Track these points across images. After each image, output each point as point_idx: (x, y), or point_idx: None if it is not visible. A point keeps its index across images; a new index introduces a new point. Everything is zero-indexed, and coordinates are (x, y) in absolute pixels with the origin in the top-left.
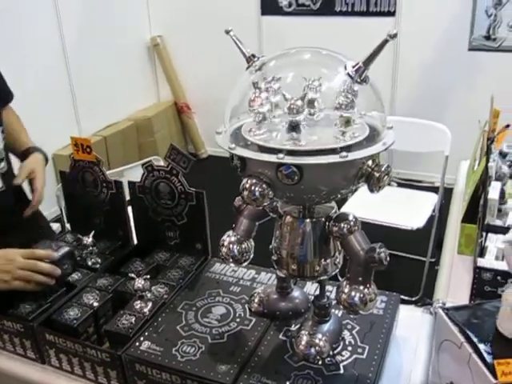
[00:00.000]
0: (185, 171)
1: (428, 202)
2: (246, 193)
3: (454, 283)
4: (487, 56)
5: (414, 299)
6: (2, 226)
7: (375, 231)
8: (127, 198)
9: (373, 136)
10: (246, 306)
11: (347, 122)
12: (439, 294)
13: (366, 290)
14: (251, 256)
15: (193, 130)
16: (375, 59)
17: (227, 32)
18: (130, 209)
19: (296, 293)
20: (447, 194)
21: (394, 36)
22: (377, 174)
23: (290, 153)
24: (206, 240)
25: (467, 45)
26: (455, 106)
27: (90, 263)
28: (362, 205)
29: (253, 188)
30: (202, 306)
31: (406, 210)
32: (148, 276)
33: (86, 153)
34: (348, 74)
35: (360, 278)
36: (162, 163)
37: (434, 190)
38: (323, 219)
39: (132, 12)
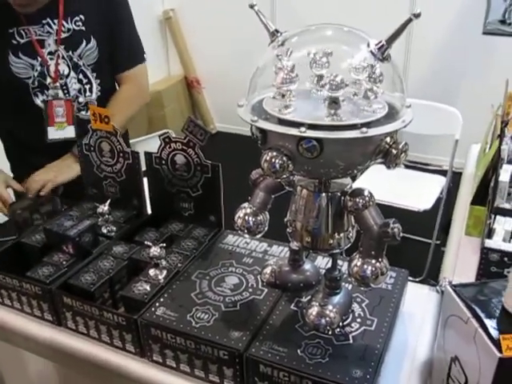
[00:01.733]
0: (201, 143)
1: (436, 185)
2: (266, 165)
3: (460, 263)
4: (502, 40)
5: (418, 280)
6: None
7: (382, 212)
8: (143, 168)
9: (392, 114)
10: (259, 276)
11: (334, 103)
12: (446, 272)
13: (377, 263)
14: (266, 228)
15: (202, 106)
16: (398, 38)
17: (251, 6)
18: (145, 180)
19: (307, 266)
20: (455, 178)
21: (418, 15)
22: (394, 151)
23: (312, 127)
24: (219, 212)
25: (482, 28)
26: (467, 90)
27: (105, 231)
28: (370, 185)
29: (273, 160)
30: (215, 275)
31: (414, 192)
32: (164, 244)
33: (103, 123)
34: (371, 52)
35: (373, 252)
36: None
37: (442, 173)
38: (338, 194)
39: None
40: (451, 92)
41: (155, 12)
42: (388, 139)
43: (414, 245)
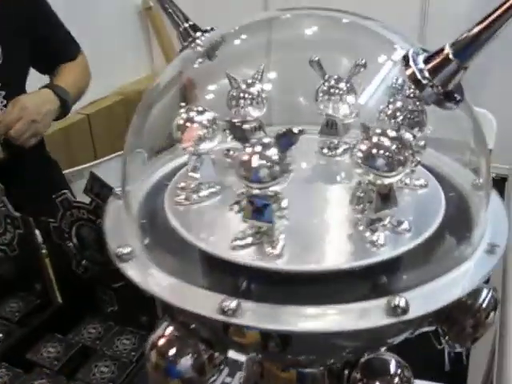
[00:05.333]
0: None
1: None
2: (153, 360)
3: None
4: None
5: None
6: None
7: None
8: None
9: (459, 219)
10: None
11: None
12: None
13: None
14: None
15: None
16: (487, 43)
17: None
18: None
19: None
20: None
21: None
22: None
23: (258, 277)
24: (152, 311)
25: None
26: (501, 88)
27: None
28: None
29: (170, 354)
30: None
31: None
32: None
33: None
34: (416, 81)
35: None
36: None
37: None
38: (338, 365)
39: None
40: (480, 91)
41: (133, 2)
42: None
43: None
